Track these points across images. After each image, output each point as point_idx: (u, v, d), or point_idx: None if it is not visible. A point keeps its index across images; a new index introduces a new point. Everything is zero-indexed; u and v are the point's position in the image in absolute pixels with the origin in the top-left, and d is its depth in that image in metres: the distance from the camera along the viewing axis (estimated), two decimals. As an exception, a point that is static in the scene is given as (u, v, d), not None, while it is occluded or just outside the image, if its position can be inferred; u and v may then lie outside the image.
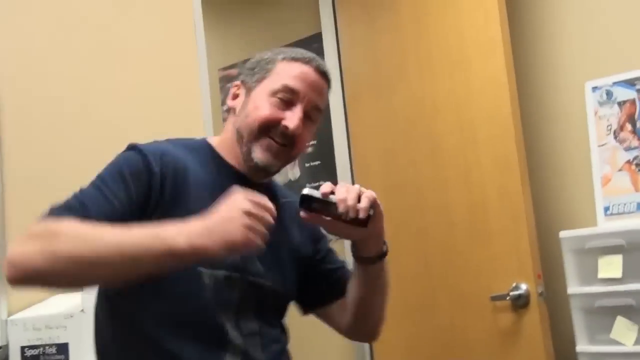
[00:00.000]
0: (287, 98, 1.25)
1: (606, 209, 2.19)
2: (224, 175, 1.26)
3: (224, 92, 3.44)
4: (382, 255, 1.29)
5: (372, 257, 1.28)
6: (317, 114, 1.28)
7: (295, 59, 1.28)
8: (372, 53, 2.73)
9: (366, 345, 2.69)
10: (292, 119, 1.24)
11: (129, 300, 1.16)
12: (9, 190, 1.90)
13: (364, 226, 1.19)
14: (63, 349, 1.73)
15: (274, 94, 1.25)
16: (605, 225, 2.17)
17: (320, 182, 1.24)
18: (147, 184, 1.15)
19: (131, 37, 2.23)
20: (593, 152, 2.25)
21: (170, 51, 2.32)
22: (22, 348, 1.77)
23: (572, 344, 2.13)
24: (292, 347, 1.36)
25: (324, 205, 1.17)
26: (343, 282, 1.39)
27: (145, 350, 1.14)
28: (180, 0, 2.36)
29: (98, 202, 1.10)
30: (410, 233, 2.53)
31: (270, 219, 1.05)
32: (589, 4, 2.36)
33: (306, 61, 1.28)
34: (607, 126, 2.24)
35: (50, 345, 1.74)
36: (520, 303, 2.23)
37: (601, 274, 2.08)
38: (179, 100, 2.32)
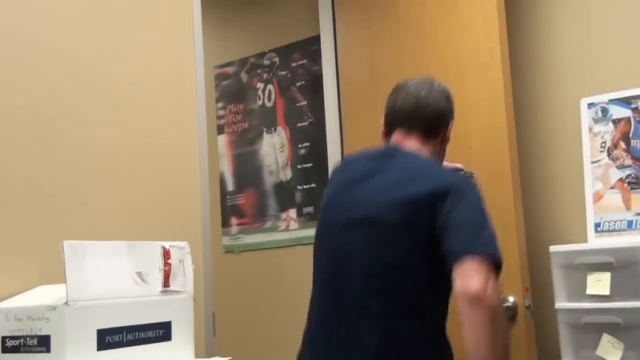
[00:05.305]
0: None
1: (597, 225, 2.19)
2: None
3: (219, 89, 3.42)
4: None
5: None
6: None
7: None
8: (369, 59, 2.72)
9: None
10: None
11: None
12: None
13: None
14: (44, 341, 1.68)
15: None
16: (595, 241, 2.18)
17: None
18: None
19: (129, 32, 2.22)
20: (586, 168, 2.25)
21: (167, 46, 2.30)
22: (3, 338, 1.72)
23: (558, 358, 2.14)
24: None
25: None
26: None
27: None
28: (180, -4, 2.35)
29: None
30: (399, 241, 2.51)
31: None
32: (588, 21, 2.38)
33: None
34: (602, 143, 2.24)
35: (32, 337, 1.69)
36: (507, 316, 2.22)
37: (589, 290, 2.09)
38: (173, 95, 2.31)
